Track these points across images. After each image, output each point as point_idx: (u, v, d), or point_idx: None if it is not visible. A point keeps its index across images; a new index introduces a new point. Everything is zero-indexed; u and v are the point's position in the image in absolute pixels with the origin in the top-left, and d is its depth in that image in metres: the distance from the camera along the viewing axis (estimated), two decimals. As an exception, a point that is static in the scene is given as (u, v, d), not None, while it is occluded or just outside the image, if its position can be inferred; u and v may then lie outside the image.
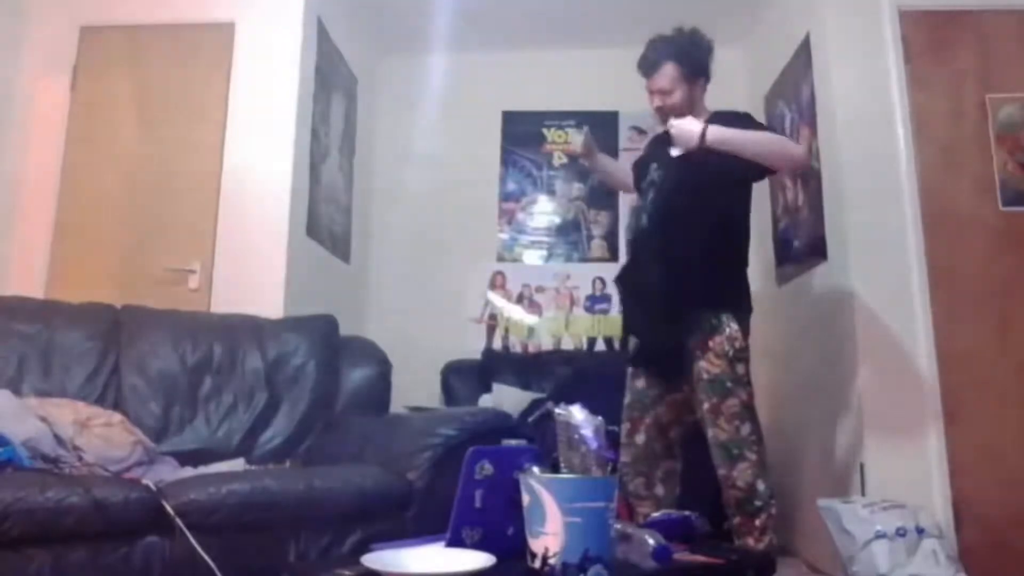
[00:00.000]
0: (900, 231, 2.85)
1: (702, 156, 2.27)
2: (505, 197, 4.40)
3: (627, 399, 2.46)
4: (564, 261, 4.32)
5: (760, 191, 3.15)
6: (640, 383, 2.43)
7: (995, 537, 2.58)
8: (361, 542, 1.76)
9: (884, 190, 2.89)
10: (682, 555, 1.50)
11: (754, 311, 2.38)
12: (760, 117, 3.79)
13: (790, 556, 3.10)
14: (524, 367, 3.87)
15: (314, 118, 3.40)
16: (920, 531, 2.41)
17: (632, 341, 2.49)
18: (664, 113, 2.41)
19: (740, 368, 2.27)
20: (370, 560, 1.31)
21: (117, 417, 2.21)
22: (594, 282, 4.22)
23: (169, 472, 2.12)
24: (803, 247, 3.32)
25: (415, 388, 3.63)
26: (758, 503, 2.21)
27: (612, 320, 4.17)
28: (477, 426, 2.16)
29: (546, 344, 4.19)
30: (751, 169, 2.31)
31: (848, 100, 2.99)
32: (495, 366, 3.88)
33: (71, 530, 1.60)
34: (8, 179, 3.19)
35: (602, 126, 4.35)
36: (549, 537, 1.31)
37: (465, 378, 3.83)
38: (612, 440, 1.45)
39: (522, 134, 4.44)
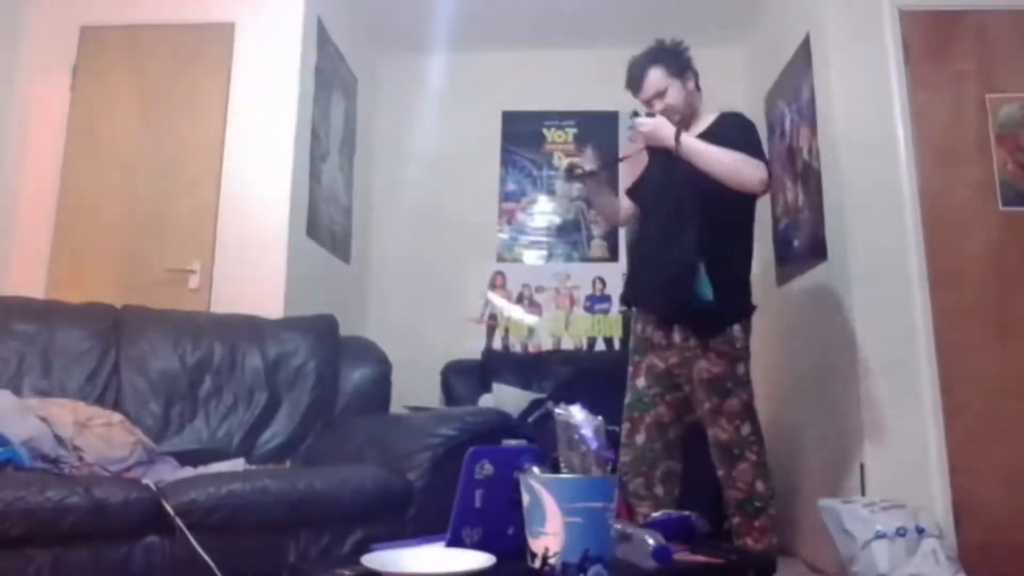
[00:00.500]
0: (900, 231, 2.85)
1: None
2: (505, 197, 4.40)
3: (627, 399, 2.46)
4: (564, 261, 4.32)
5: (760, 191, 3.15)
6: (640, 382, 2.43)
7: (995, 537, 2.57)
8: (361, 542, 1.76)
9: (884, 190, 2.89)
10: (682, 555, 1.50)
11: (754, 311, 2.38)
12: (760, 117, 3.80)
13: (790, 556, 3.10)
14: (524, 367, 3.87)
15: (314, 118, 3.40)
16: (920, 531, 2.41)
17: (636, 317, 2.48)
18: (668, 115, 2.41)
19: (741, 368, 2.27)
20: (370, 560, 1.31)
21: (117, 417, 2.21)
22: (594, 282, 4.22)
23: (169, 472, 2.12)
24: (803, 247, 3.32)
25: (415, 388, 3.63)
26: (758, 503, 2.21)
27: (612, 320, 4.17)
28: (477, 426, 2.16)
29: (546, 344, 4.19)
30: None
31: (848, 100, 2.99)
32: (495, 366, 3.88)
33: (71, 530, 1.60)
34: (8, 179, 3.20)
35: (602, 126, 4.36)
36: (549, 537, 1.31)
37: (465, 378, 3.83)
38: (612, 440, 1.44)
39: (522, 134, 4.44)
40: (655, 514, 1.83)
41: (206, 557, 1.59)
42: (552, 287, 4.27)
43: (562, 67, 4.37)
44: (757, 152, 2.30)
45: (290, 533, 1.83)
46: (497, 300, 4.28)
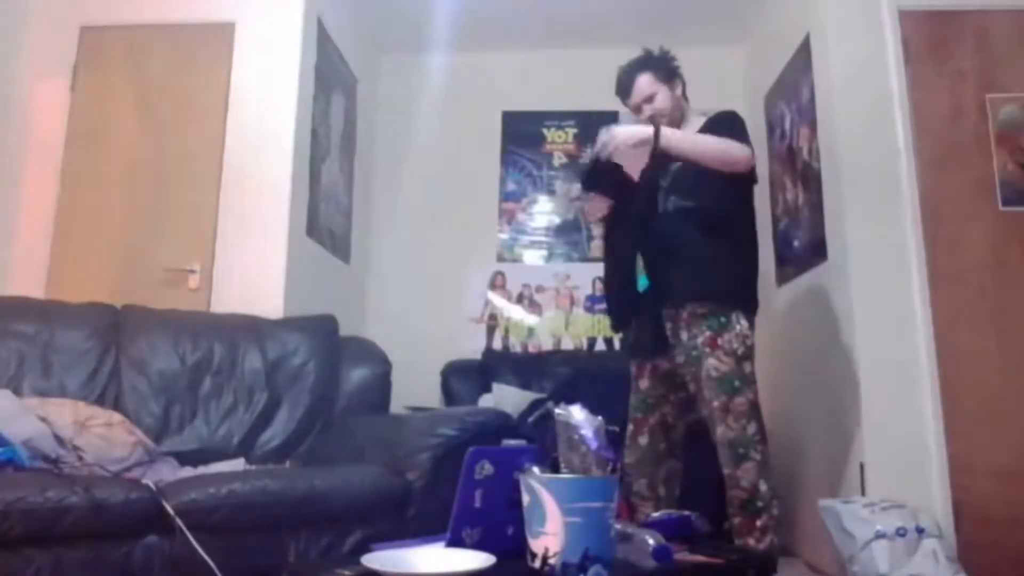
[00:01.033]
0: (900, 231, 2.85)
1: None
2: (505, 197, 4.40)
3: (632, 400, 2.46)
4: (564, 261, 4.32)
5: (760, 191, 3.14)
6: (644, 383, 2.43)
7: (995, 537, 2.57)
8: (361, 542, 1.77)
9: (884, 190, 2.89)
10: (682, 555, 1.50)
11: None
12: (760, 117, 3.80)
13: (790, 556, 3.10)
14: (524, 367, 3.87)
15: (314, 118, 3.40)
16: (920, 531, 2.41)
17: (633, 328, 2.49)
18: (656, 120, 2.42)
19: (747, 366, 2.28)
20: (370, 560, 1.31)
21: (117, 417, 2.21)
22: (594, 282, 4.22)
23: (169, 472, 2.12)
24: (803, 247, 3.32)
25: (415, 388, 3.63)
26: (760, 504, 2.21)
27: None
28: (477, 426, 2.17)
29: (546, 344, 4.19)
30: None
31: (848, 101, 2.98)
32: (495, 366, 3.88)
33: (71, 530, 1.60)
34: (8, 179, 3.19)
35: (602, 126, 4.35)
36: (549, 537, 1.31)
37: (465, 378, 3.83)
38: (612, 440, 1.44)
39: (522, 134, 4.44)
40: (655, 514, 1.83)
41: (206, 557, 1.59)
42: (552, 287, 4.27)
43: (562, 67, 4.37)
44: (739, 136, 2.32)
45: (290, 533, 1.83)
46: (497, 300, 4.28)
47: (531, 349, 4.18)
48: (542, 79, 4.41)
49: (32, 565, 1.57)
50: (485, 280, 4.29)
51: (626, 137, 2.30)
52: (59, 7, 3.32)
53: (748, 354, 2.28)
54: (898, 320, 2.79)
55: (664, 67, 2.48)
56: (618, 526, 1.43)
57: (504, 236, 4.36)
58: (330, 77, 3.64)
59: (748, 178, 2.39)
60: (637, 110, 2.49)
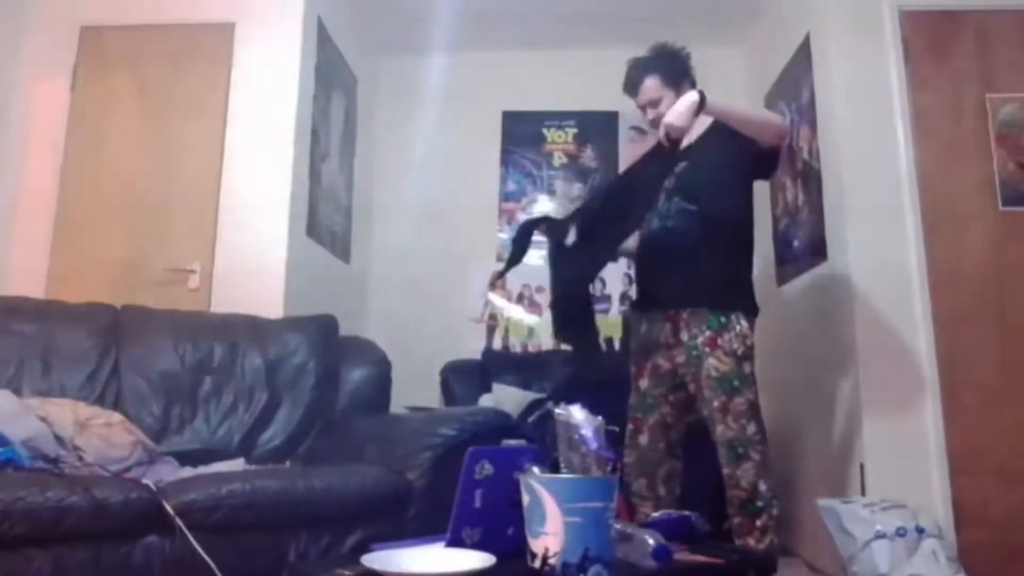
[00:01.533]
0: (900, 231, 2.85)
1: (707, 156, 2.32)
2: (505, 197, 4.40)
3: (631, 399, 2.46)
4: (564, 261, 4.31)
5: (760, 191, 3.15)
6: (644, 383, 2.43)
7: (995, 537, 2.57)
8: (361, 542, 1.76)
9: (884, 190, 2.89)
10: (682, 555, 1.50)
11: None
12: (760, 117, 3.80)
13: (790, 556, 3.10)
14: (524, 367, 3.87)
15: (314, 118, 3.40)
16: (920, 531, 2.41)
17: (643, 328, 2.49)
18: (659, 124, 2.42)
19: (747, 367, 2.28)
20: (370, 560, 1.31)
21: (117, 417, 2.21)
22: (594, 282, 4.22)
23: (169, 472, 2.12)
24: (803, 247, 3.32)
25: (415, 388, 3.62)
26: (760, 504, 2.21)
27: (612, 321, 4.17)
28: (477, 426, 2.16)
29: (546, 344, 4.19)
30: (752, 165, 2.35)
31: (848, 100, 2.98)
32: (495, 366, 3.88)
33: (71, 530, 1.60)
34: (8, 179, 3.19)
35: (602, 126, 4.36)
36: (549, 537, 1.31)
37: (465, 378, 3.82)
38: (612, 440, 1.45)
39: (522, 134, 4.44)
40: (655, 514, 1.84)
41: (206, 557, 1.59)
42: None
43: (562, 67, 4.37)
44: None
45: (290, 533, 1.83)
46: (497, 300, 4.28)
47: (531, 349, 4.18)
48: (542, 79, 4.40)
49: (32, 565, 1.56)
50: (485, 280, 4.29)
51: (680, 116, 2.18)
52: (59, 7, 3.32)
53: (748, 354, 2.28)
54: (898, 320, 2.79)
55: (673, 69, 2.45)
56: (618, 526, 1.43)
57: (504, 236, 4.36)
58: (330, 77, 3.64)
59: (770, 161, 2.38)
60: (642, 109, 2.50)
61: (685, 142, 2.45)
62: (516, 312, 4.26)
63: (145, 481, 1.79)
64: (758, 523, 2.21)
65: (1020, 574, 2.52)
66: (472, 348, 4.09)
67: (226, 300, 2.99)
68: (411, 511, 1.99)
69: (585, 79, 4.29)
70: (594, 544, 1.30)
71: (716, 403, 2.25)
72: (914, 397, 2.73)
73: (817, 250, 3.13)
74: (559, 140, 4.43)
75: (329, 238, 3.63)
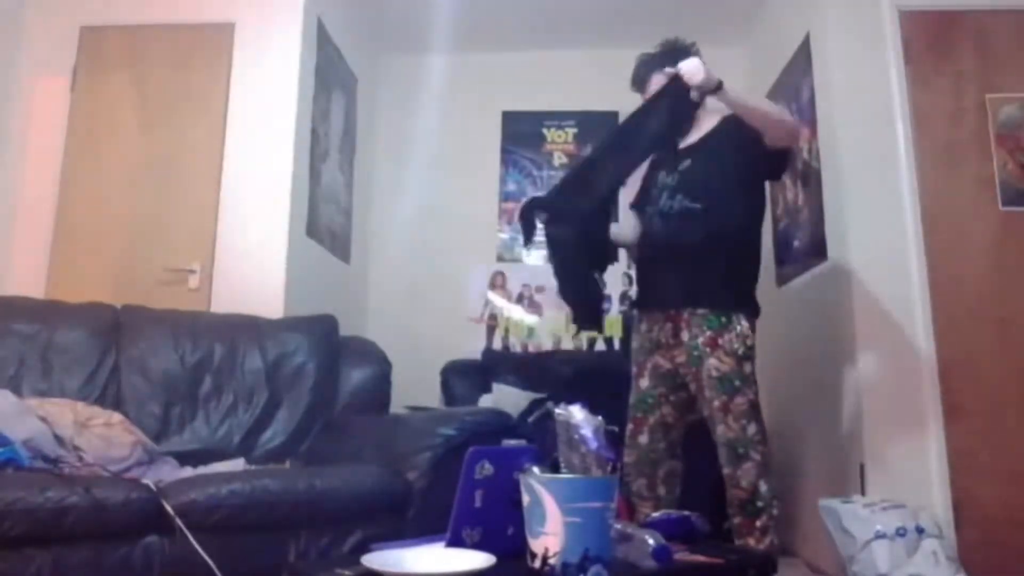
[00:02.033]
0: (900, 231, 2.85)
1: (712, 155, 2.33)
2: (505, 197, 4.40)
3: (631, 399, 2.46)
4: (564, 261, 4.30)
5: (760, 191, 3.15)
6: (644, 383, 2.43)
7: (995, 537, 2.57)
8: (361, 542, 1.77)
9: (884, 190, 2.89)
10: (682, 555, 1.50)
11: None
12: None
13: (790, 556, 3.10)
14: (524, 367, 3.86)
15: (314, 118, 3.40)
16: (920, 531, 2.41)
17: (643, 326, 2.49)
18: None
19: (748, 367, 2.28)
20: (370, 560, 1.31)
21: (117, 417, 2.21)
22: (594, 282, 4.22)
23: (169, 472, 2.12)
24: (803, 247, 3.32)
25: (415, 388, 3.62)
26: (760, 504, 2.21)
27: (612, 320, 4.17)
28: (477, 426, 2.17)
29: (546, 344, 4.19)
30: (759, 165, 2.35)
31: (848, 100, 2.98)
32: (495, 366, 3.87)
33: (71, 530, 1.60)
34: (8, 179, 3.19)
35: (602, 126, 4.35)
36: (549, 537, 1.31)
37: (465, 378, 3.82)
38: (612, 440, 1.45)
39: (522, 134, 4.44)
40: (655, 514, 1.84)
41: (206, 557, 1.59)
42: (552, 287, 4.26)
43: (562, 67, 4.37)
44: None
45: (290, 533, 1.83)
46: (497, 300, 4.28)
47: (531, 349, 4.18)
48: (542, 79, 4.40)
49: (32, 565, 1.57)
50: (485, 280, 4.29)
51: (693, 74, 2.19)
52: (59, 7, 3.32)
53: (749, 354, 2.28)
54: (898, 320, 2.79)
55: None
56: (618, 526, 1.43)
57: (504, 236, 4.36)
58: (330, 77, 3.64)
59: (779, 161, 2.38)
60: None
61: (689, 140, 2.45)
62: (516, 312, 4.26)
63: (145, 481, 1.79)
64: (758, 523, 2.21)
65: (1020, 574, 2.52)
66: (472, 348, 4.09)
67: (226, 300, 2.99)
68: (411, 511, 1.99)
69: (585, 79, 4.29)
70: (594, 544, 1.30)
71: (717, 403, 2.25)
72: (914, 397, 2.73)
73: (817, 250, 3.13)
74: (559, 140, 4.43)
75: (329, 238, 3.63)
